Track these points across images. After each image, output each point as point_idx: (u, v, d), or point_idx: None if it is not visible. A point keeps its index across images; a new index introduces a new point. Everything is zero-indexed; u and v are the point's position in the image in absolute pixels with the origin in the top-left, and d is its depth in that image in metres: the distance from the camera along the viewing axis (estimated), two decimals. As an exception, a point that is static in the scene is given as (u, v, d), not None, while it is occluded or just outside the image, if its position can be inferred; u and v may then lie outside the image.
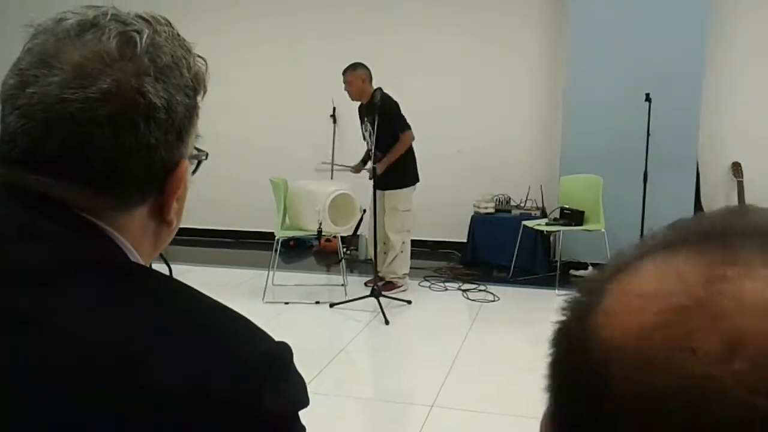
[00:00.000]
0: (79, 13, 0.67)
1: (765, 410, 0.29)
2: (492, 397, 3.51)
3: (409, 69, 6.69)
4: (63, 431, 0.55)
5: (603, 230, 5.53)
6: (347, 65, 5.29)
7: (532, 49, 6.73)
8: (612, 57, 5.94)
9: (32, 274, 0.60)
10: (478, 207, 6.40)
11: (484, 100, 6.83)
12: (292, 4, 7.19)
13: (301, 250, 6.97)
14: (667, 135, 5.78)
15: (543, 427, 0.39)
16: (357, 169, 5.57)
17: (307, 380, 0.66)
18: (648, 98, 5.61)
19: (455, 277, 5.89)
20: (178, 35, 0.70)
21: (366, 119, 5.29)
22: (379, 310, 4.74)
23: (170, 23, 0.70)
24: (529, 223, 5.86)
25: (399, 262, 5.41)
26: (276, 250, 5.31)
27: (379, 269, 5.28)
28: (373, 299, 4.85)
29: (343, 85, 5.32)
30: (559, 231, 5.85)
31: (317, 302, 5.12)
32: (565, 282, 5.71)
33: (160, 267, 0.74)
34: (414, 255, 5.63)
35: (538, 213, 6.26)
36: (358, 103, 5.42)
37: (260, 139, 7.36)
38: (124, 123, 0.64)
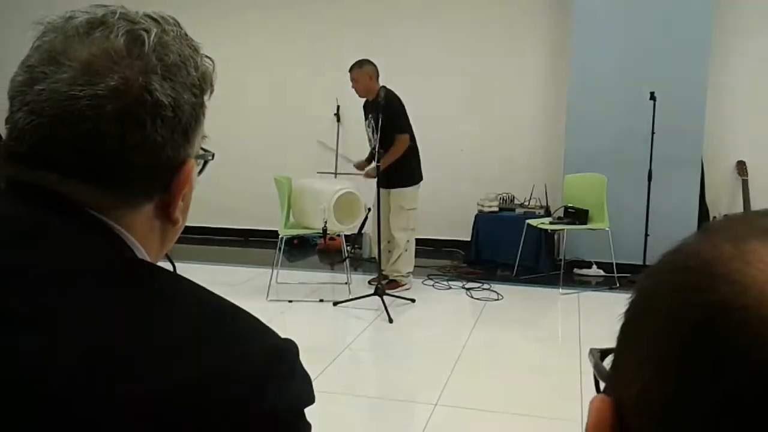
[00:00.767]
0: (88, 12, 0.67)
1: None
2: (496, 396, 3.51)
3: (412, 67, 6.69)
4: (70, 426, 0.55)
5: (607, 229, 5.52)
6: (354, 62, 5.29)
7: (536, 47, 6.72)
8: (616, 56, 5.93)
9: (39, 272, 0.60)
10: (482, 206, 6.40)
11: (487, 98, 6.82)
12: (295, 2, 7.19)
13: (305, 249, 6.98)
14: (671, 134, 5.77)
15: (596, 408, 0.39)
16: (360, 166, 5.54)
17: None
18: (652, 97, 5.60)
19: (459, 276, 5.89)
20: (186, 35, 0.71)
21: (370, 115, 5.29)
22: (383, 308, 4.74)
23: (178, 23, 0.71)
24: (533, 222, 5.85)
25: (403, 261, 5.41)
26: (280, 249, 5.32)
27: (383, 268, 5.28)
28: (376, 298, 4.85)
29: (346, 84, 5.32)
30: (563, 230, 5.84)
31: (321, 300, 5.13)
32: (568, 281, 5.71)
33: (164, 265, 0.75)
34: (418, 253, 5.63)
35: (542, 212, 6.25)
36: (364, 100, 5.42)
37: (264, 138, 7.37)
38: (131, 120, 0.64)
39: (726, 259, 0.35)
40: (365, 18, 7.03)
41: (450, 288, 5.61)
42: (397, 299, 5.05)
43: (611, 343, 0.42)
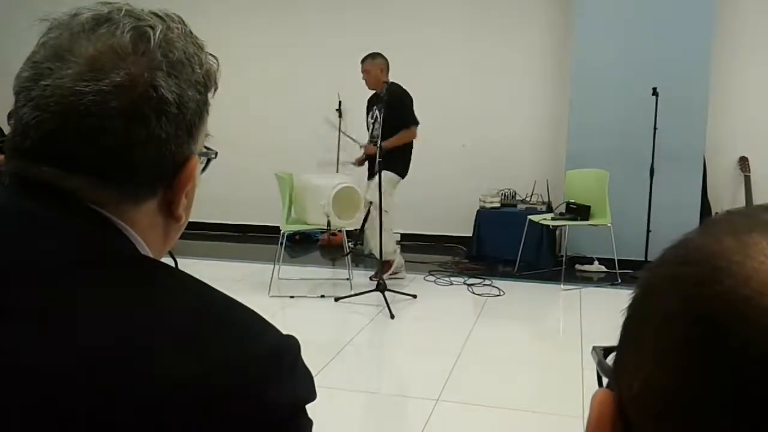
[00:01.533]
0: (94, 9, 0.68)
1: None
2: (497, 392, 3.51)
3: (414, 63, 6.67)
4: (70, 426, 0.55)
5: (609, 225, 5.51)
6: (367, 54, 5.36)
7: (538, 43, 6.71)
8: (618, 51, 5.92)
9: (42, 267, 0.60)
10: (484, 201, 6.40)
11: (489, 94, 6.82)
12: (297, -2, 7.19)
13: (307, 244, 6.99)
14: (673, 129, 5.76)
15: (599, 402, 0.40)
16: (360, 160, 5.59)
17: (312, 374, 0.66)
18: (655, 92, 5.60)
19: (461, 272, 5.89)
20: (191, 32, 0.71)
21: (375, 107, 5.35)
22: (385, 304, 4.74)
23: (183, 21, 0.71)
24: (534, 218, 5.85)
25: (385, 239, 5.37)
26: (281, 244, 5.32)
27: (371, 249, 5.27)
28: (378, 293, 4.86)
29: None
30: (564, 226, 5.84)
31: (322, 296, 5.13)
32: (570, 277, 5.71)
33: (166, 261, 0.75)
34: (419, 249, 5.64)
35: (543, 207, 6.25)
36: (368, 94, 5.47)
37: (266, 134, 7.37)
38: (136, 116, 0.64)
39: (728, 252, 0.35)
40: (367, 14, 7.02)
41: (451, 284, 5.61)
42: (399, 295, 5.05)
43: (613, 340, 0.42)
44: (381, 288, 4.87)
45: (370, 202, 5.27)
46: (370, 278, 5.48)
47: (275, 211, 5.62)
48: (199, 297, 0.65)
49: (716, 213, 6.21)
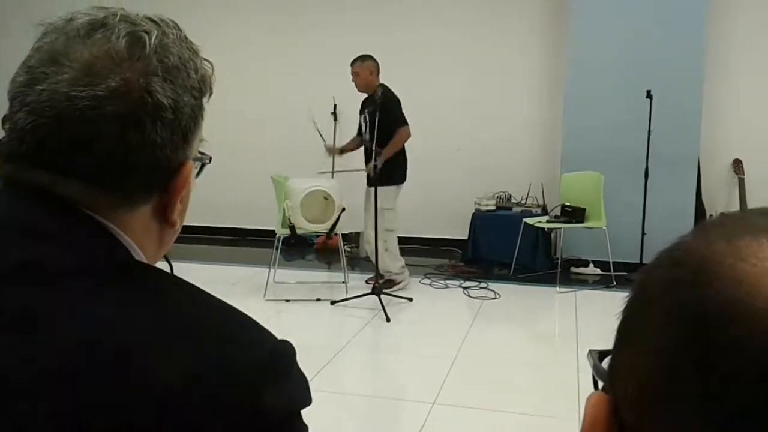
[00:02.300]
0: (89, 14, 0.68)
1: None
2: (493, 394, 3.51)
3: (409, 66, 6.69)
4: (63, 427, 0.55)
5: (604, 227, 5.53)
6: (356, 56, 5.32)
7: (532, 45, 6.73)
8: (613, 54, 5.94)
9: (34, 272, 0.60)
10: (479, 204, 6.40)
11: (484, 97, 6.83)
12: (292, 2, 7.19)
13: (302, 248, 6.98)
14: (668, 132, 5.78)
15: (593, 404, 0.40)
16: (330, 149, 5.74)
17: (308, 377, 0.66)
18: (649, 95, 5.61)
19: (456, 275, 5.89)
20: (185, 38, 0.71)
21: (367, 110, 5.32)
22: (380, 307, 4.74)
23: (178, 26, 0.71)
24: (530, 221, 5.86)
25: (387, 261, 5.37)
26: (277, 248, 5.32)
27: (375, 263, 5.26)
28: (374, 297, 4.85)
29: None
30: (560, 228, 5.85)
31: (318, 300, 5.13)
32: (565, 279, 5.71)
33: (161, 264, 0.75)
34: (415, 252, 5.64)
35: (539, 210, 6.26)
36: (362, 97, 5.44)
37: (261, 137, 7.37)
38: (132, 121, 0.64)
39: (720, 255, 0.36)
40: (364, 17, 7.02)
41: (447, 287, 5.62)
42: (395, 298, 5.05)
43: (609, 342, 0.42)
44: (377, 291, 4.87)
45: (343, 209, 5.19)
46: (366, 281, 5.48)
47: (271, 214, 5.61)
48: (194, 302, 0.65)
49: (710, 216, 6.23)
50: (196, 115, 0.70)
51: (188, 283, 0.66)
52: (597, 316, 4.69)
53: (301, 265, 6.42)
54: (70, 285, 0.60)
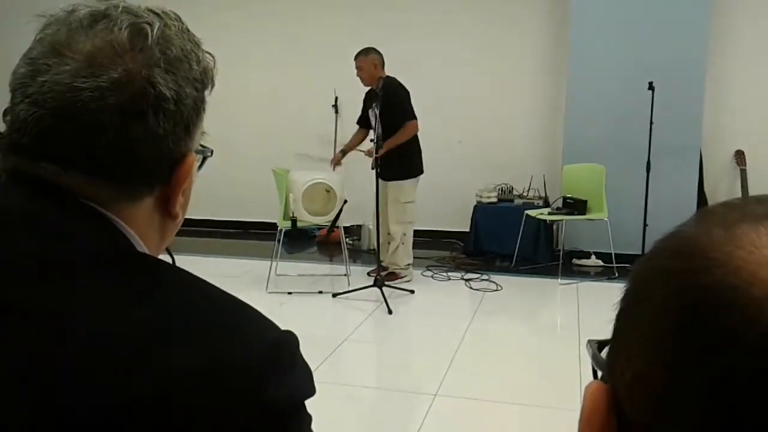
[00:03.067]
0: (91, 5, 0.68)
1: None
2: (495, 386, 3.52)
3: (411, 58, 6.66)
4: (71, 422, 0.55)
5: (606, 219, 5.52)
6: (360, 50, 5.25)
7: (534, 37, 6.71)
8: (615, 46, 5.92)
9: (38, 264, 0.60)
10: (481, 196, 6.40)
11: (486, 89, 6.81)
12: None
13: (304, 240, 6.98)
14: (670, 123, 5.77)
15: (592, 393, 0.40)
16: (341, 152, 5.63)
17: (310, 369, 0.67)
18: (651, 87, 5.60)
19: (458, 267, 5.90)
20: (187, 29, 0.71)
21: (374, 104, 5.28)
22: (383, 299, 4.75)
23: (179, 18, 0.71)
24: (531, 213, 5.86)
25: (400, 254, 5.40)
26: (279, 241, 5.32)
27: (382, 259, 5.28)
28: (376, 289, 4.86)
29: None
30: (561, 220, 5.84)
31: (320, 292, 5.13)
32: (567, 271, 5.71)
33: (163, 256, 0.75)
34: (417, 245, 5.63)
35: (540, 202, 6.26)
36: (365, 90, 5.41)
37: (262, 130, 7.36)
38: (134, 113, 0.64)
39: (717, 243, 0.36)
40: (364, 9, 7.00)
41: (449, 279, 5.62)
42: (397, 290, 5.05)
43: (609, 333, 0.42)
44: (379, 284, 4.87)
45: (345, 201, 5.19)
46: (368, 274, 5.49)
47: (273, 207, 5.61)
48: (197, 293, 0.66)
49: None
50: (198, 107, 0.70)
51: (192, 275, 0.66)
52: (599, 307, 4.69)
53: (302, 257, 6.43)
54: (75, 277, 0.60)
